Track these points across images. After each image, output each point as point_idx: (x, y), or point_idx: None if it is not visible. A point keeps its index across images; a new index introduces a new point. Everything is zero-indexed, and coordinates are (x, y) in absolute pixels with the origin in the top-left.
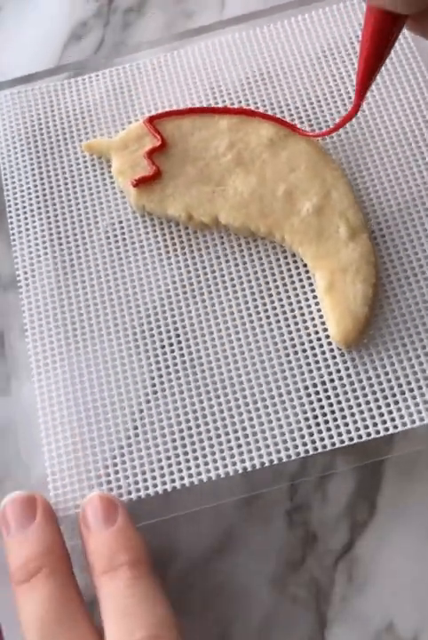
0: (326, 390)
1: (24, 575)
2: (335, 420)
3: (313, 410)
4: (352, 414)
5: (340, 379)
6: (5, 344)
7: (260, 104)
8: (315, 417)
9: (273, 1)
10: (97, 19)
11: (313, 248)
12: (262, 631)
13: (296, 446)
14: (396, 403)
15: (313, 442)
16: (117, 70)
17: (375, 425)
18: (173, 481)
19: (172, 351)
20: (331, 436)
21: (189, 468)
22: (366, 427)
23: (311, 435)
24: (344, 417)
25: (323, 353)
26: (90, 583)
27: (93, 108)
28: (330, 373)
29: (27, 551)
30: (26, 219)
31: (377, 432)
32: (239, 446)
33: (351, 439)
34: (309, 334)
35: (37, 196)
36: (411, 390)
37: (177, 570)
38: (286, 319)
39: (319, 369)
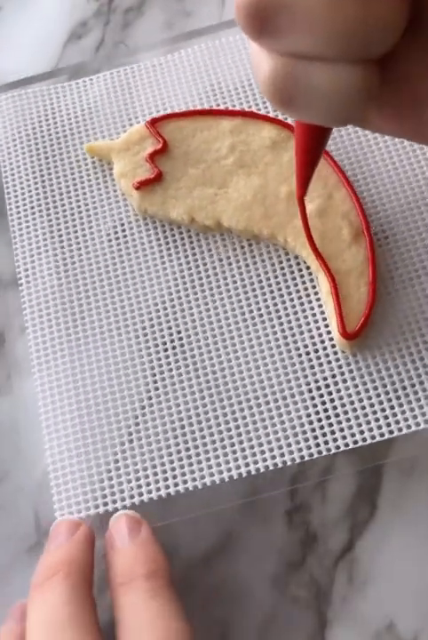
0: (329, 393)
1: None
2: (339, 422)
3: (318, 413)
4: (357, 417)
5: (344, 381)
6: (6, 343)
7: (262, 106)
8: (319, 420)
9: None
10: (97, 18)
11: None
12: (262, 631)
13: (300, 449)
14: (400, 405)
15: (317, 445)
16: (118, 72)
17: (379, 428)
18: (176, 485)
19: (175, 353)
20: (335, 439)
21: (192, 472)
22: (370, 429)
23: (315, 438)
24: (348, 419)
25: (327, 355)
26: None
27: (94, 111)
28: (334, 376)
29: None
30: (27, 222)
31: (382, 435)
32: (242, 450)
33: (355, 442)
34: (313, 337)
35: (38, 199)
36: (415, 392)
37: (177, 570)
38: (289, 322)
39: (323, 371)
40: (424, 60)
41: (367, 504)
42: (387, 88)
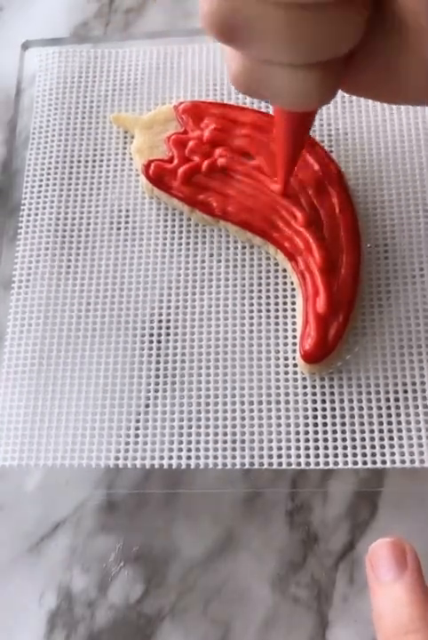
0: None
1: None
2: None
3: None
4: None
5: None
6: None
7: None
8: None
9: None
10: (97, 19)
11: (301, 267)
12: (262, 632)
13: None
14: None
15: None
16: (165, 49)
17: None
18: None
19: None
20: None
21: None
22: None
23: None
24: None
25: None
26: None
27: (132, 82)
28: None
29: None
30: (41, 178)
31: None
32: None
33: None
34: (286, 351)
35: (58, 155)
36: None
37: (177, 570)
38: (277, 329)
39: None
40: (388, 38)
41: (367, 504)
42: (358, 64)
